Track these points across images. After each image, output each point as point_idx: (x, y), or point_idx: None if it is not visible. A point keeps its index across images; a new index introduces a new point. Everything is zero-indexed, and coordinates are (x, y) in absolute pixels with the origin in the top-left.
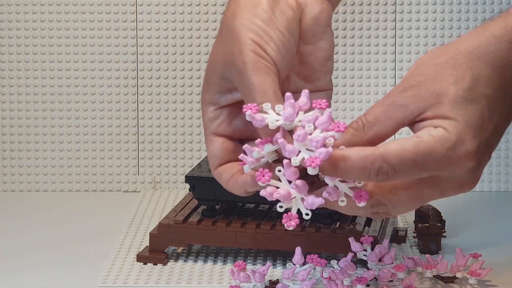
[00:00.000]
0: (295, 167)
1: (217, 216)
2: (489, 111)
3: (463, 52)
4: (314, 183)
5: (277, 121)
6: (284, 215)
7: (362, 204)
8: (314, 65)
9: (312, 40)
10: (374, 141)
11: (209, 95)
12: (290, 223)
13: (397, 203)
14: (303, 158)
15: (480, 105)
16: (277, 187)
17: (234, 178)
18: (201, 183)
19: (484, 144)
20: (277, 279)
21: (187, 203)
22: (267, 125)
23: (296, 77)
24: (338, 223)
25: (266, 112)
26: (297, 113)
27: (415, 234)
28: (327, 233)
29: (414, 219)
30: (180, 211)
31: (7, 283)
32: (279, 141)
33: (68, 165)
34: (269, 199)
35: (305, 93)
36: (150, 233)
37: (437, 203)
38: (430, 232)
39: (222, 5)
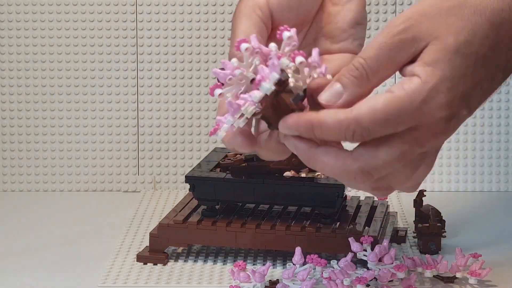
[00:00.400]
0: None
1: (217, 216)
2: (475, 67)
3: (467, 4)
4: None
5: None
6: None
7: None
8: (341, 25)
9: (340, 1)
10: (376, 87)
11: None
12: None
13: (384, 167)
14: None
15: (469, 61)
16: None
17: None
18: (201, 183)
19: (461, 96)
20: (277, 279)
21: (187, 203)
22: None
23: (324, 39)
24: (338, 223)
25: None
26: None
27: (415, 234)
28: (327, 233)
29: (414, 219)
30: (180, 211)
31: (7, 283)
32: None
33: (68, 165)
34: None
35: (315, 50)
36: (150, 233)
37: (437, 203)
38: (430, 232)
39: (222, 5)
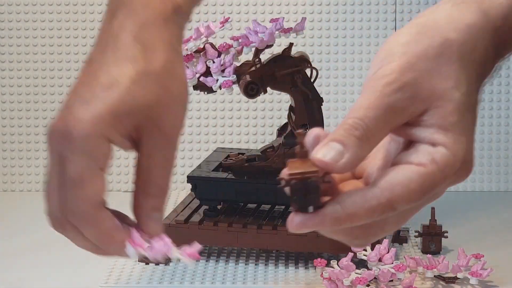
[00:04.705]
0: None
1: (219, 216)
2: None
3: (453, 46)
4: None
5: None
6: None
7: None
8: None
9: None
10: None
11: (111, 132)
12: None
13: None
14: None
15: (475, 112)
16: None
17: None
18: (203, 183)
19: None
20: None
21: (189, 203)
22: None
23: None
24: None
25: None
26: None
27: (416, 234)
28: None
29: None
30: (181, 211)
31: (8, 283)
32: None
33: None
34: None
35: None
36: None
37: (437, 203)
38: (430, 232)
39: (222, 5)
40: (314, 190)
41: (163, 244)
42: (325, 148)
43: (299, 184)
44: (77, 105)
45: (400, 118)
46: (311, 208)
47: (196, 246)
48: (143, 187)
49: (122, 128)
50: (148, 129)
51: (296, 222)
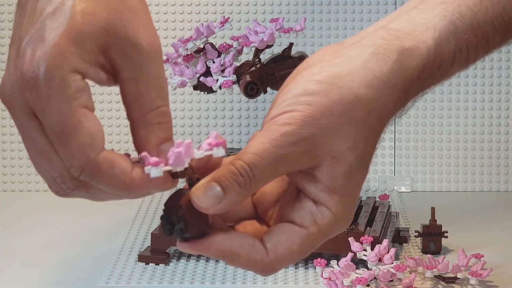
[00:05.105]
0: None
1: None
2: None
3: (361, 104)
4: None
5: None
6: None
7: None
8: None
9: None
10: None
11: (77, 61)
12: None
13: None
14: None
15: (366, 169)
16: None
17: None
18: None
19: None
20: None
21: None
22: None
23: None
24: None
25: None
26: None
27: (416, 234)
28: None
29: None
30: None
31: (8, 283)
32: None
33: None
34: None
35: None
36: (152, 233)
37: (438, 203)
38: (430, 232)
39: (222, 5)
40: (178, 222)
41: (183, 149)
42: (203, 188)
43: (165, 215)
44: (29, 48)
45: (289, 169)
46: (183, 237)
47: (213, 134)
48: (142, 119)
49: (88, 54)
50: (120, 49)
51: (183, 246)
